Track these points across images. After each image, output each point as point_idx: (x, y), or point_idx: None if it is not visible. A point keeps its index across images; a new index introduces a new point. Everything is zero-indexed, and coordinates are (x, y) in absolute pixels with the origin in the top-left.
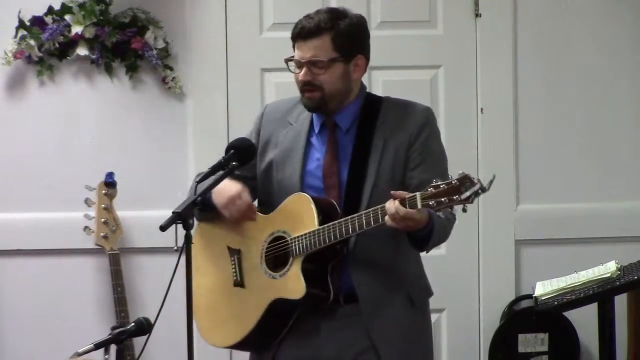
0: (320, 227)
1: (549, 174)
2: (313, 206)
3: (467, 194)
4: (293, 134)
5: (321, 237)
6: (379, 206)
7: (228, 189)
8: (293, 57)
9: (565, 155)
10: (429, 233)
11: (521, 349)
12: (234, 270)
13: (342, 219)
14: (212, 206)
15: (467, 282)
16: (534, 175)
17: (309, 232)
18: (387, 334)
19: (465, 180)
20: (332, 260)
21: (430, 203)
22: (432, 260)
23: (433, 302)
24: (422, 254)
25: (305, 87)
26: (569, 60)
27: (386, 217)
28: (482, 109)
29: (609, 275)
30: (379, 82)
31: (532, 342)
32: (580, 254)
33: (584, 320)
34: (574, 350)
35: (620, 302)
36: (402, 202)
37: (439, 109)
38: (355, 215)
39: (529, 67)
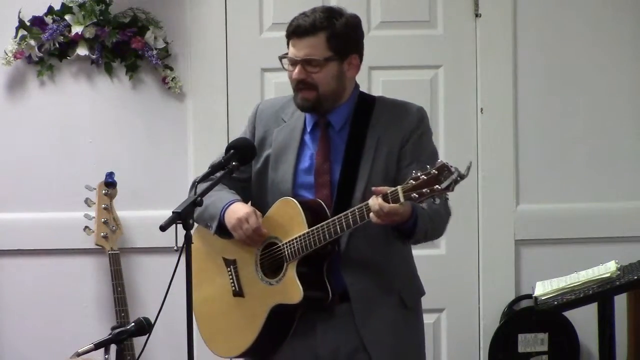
0: (309, 230)
1: (549, 174)
2: (300, 210)
3: (447, 182)
4: (287, 131)
5: (311, 240)
6: (363, 204)
7: (238, 210)
8: (287, 54)
9: (565, 155)
10: (413, 225)
11: (521, 349)
12: (231, 280)
13: (330, 220)
14: (225, 226)
15: (467, 282)
16: (534, 175)
17: (299, 236)
18: (378, 336)
19: (444, 169)
20: (326, 260)
21: (412, 195)
22: (432, 260)
23: (433, 302)
24: (420, 255)
25: (300, 85)
26: (569, 60)
27: (371, 214)
28: (482, 109)
29: (608, 275)
30: (379, 82)
31: (532, 342)
32: (580, 254)
33: (584, 320)
34: (574, 350)
35: (620, 302)
36: (385, 197)
37: (439, 109)
38: (342, 214)
39: (529, 67)
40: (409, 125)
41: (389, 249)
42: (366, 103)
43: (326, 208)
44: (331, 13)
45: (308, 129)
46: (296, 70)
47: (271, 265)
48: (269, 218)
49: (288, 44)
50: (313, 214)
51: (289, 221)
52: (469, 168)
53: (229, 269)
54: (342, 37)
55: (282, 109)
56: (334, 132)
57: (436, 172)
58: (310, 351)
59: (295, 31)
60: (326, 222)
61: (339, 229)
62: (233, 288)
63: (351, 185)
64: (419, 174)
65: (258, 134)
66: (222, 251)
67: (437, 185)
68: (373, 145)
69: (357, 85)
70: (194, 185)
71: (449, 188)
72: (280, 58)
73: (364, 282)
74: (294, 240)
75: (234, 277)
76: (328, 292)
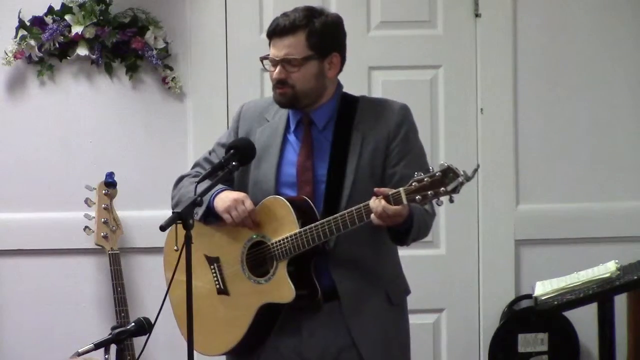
0: (303, 229)
1: (549, 174)
2: (290, 208)
3: (453, 184)
4: (270, 130)
5: (304, 240)
6: (362, 205)
7: (231, 194)
8: (268, 55)
9: (565, 155)
10: (410, 226)
11: (521, 349)
12: (215, 278)
13: (325, 220)
14: (212, 211)
15: (467, 282)
16: (534, 175)
17: (292, 235)
18: (366, 331)
19: (449, 172)
20: (313, 258)
21: (416, 198)
22: (432, 260)
23: (433, 302)
24: (420, 255)
25: (279, 84)
26: (569, 60)
27: (372, 215)
28: (482, 109)
29: (608, 275)
30: (379, 82)
31: (532, 342)
32: (580, 254)
33: (584, 320)
34: (574, 350)
35: (620, 302)
36: (386, 198)
37: (439, 109)
38: (338, 215)
39: (529, 67)
40: (393, 124)
41: (376, 247)
42: (349, 103)
43: (313, 206)
44: (311, 12)
45: (292, 128)
46: (276, 70)
47: (258, 263)
48: (256, 216)
49: (270, 45)
50: (302, 212)
51: (279, 220)
52: (475, 170)
53: (212, 266)
54: (322, 35)
55: (266, 109)
56: (316, 131)
57: (441, 174)
58: (295, 350)
59: (275, 31)
60: (321, 221)
61: (334, 229)
62: (217, 286)
63: (339, 183)
64: (422, 177)
65: (241, 133)
66: (204, 249)
67: (442, 188)
68: (358, 142)
69: (340, 85)
70: (178, 182)
71: (456, 190)
72: (262, 59)
73: (353, 280)
74: (286, 240)
75: (218, 275)
76: (317, 290)
